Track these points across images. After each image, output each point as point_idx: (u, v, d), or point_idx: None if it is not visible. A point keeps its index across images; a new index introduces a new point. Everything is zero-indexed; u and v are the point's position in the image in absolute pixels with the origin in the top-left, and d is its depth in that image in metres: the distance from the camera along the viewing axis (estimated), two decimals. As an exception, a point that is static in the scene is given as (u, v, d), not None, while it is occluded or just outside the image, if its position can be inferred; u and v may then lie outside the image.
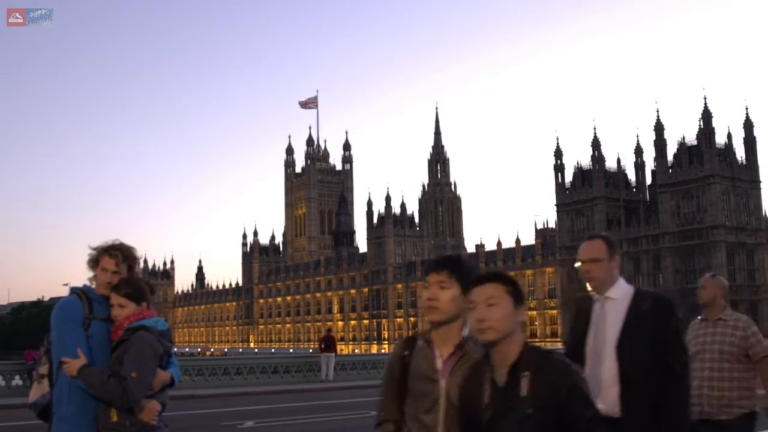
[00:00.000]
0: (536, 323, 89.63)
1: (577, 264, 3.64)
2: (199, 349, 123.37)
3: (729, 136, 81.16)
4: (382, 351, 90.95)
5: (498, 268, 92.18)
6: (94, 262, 3.75)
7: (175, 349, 4.10)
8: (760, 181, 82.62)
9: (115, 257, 3.72)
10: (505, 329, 2.44)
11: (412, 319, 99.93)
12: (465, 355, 2.71)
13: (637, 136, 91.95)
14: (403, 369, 2.81)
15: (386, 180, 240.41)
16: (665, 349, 3.36)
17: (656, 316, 3.39)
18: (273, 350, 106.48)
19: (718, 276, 5.55)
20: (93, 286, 3.78)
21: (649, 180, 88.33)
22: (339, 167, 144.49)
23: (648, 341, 3.35)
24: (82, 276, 3.88)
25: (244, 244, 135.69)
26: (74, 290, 3.77)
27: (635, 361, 3.36)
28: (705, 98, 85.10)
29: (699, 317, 5.50)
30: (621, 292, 3.52)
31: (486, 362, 2.52)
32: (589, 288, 3.65)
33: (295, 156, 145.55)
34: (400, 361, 2.83)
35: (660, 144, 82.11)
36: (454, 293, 2.73)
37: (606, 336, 3.44)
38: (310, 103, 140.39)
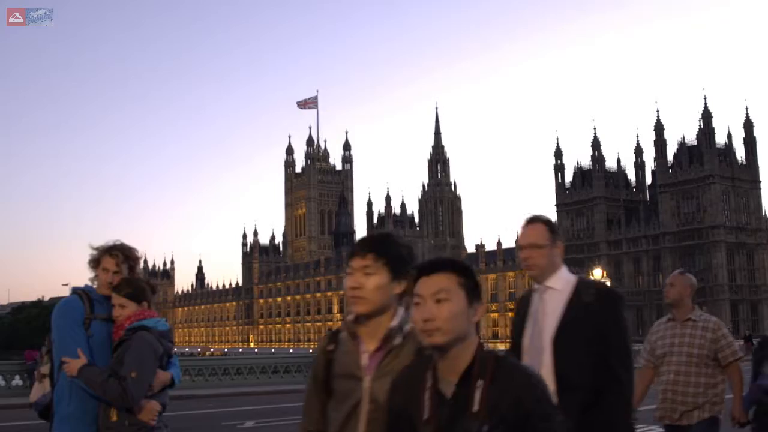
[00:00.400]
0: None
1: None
2: (199, 349, 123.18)
3: (729, 136, 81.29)
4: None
5: (498, 268, 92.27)
6: (95, 263, 3.76)
7: (175, 349, 4.10)
8: (760, 181, 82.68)
9: (116, 257, 3.73)
10: (457, 331, 1.97)
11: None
12: (394, 350, 2.32)
13: (637, 136, 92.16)
14: (327, 367, 2.41)
15: (386, 180, 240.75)
16: (607, 348, 3.00)
17: (599, 310, 3.04)
18: (273, 350, 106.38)
19: (687, 273, 5.26)
20: (94, 286, 3.80)
21: (649, 180, 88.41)
22: (339, 167, 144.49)
23: (588, 337, 2.99)
24: (82, 276, 3.89)
25: (244, 244, 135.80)
26: (75, 290, 3.78)
27: (572, 359, 3.02)
28: (705, 98, 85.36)
29: (665, 317, 5.23)
30: (562, 282, 3.16)
31: (426, 367, 2.05)
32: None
33: (295, 156, 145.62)
34: (325, 357, 2.43)
35: (660, 144, 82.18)
36: (381, 280, 2.31)
37: (544, 329, 3.11)
38: (309, 103, 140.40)
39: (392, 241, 2.40)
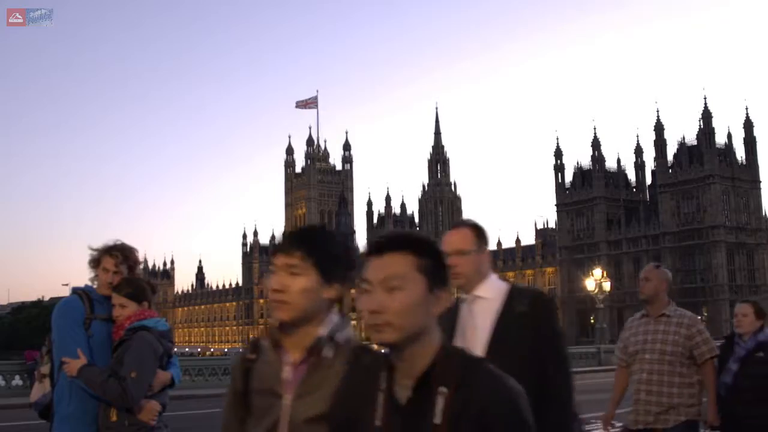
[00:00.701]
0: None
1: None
2: (199, 349, 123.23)
3: (729, 136, 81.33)
4: (383, 351, 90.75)
5: (498, 268, 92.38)
6: (95, 262, 3.77)
7: (175, 349, 4.11)
8: (760, 181, 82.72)
9: (115, 257, 3.74)
10: (413, 326, 1.60)
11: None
12: (321, 364, 1.98)
13: (637, 136, 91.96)
14: (245, 379, 2.08)
15: (386, 180, 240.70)
16: (545, 360, 2.78)
17: (534, 319, 2.82)
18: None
19: (663, 267, 5.06)
20: (94, 287, 3.80)
21: (649, 180, 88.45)
22: (339, 167, 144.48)
23: (523, 349, 2.76)
24: (82, 276, 3.89)
25: (244, 244, 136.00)
26: (76, 290, 3.80)
27: (507, 372, 2.84)
28: (705, 98, 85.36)
29: (639, 313, 5.00)
30: (493, 290, 2.92)
31: (380, 366, 1.70)
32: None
33: (295, 156, 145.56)
34: (243, 367, 2.09)
35: (660, 144, 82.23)
36: (309, 282, 1.97)
37: (475, 342, 2.84)
38: (309, 103, 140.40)
39: (325, 236, 2.05)
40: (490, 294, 2.91)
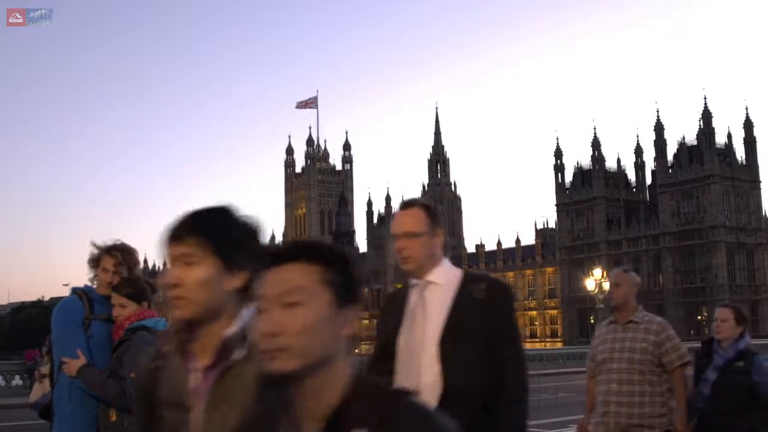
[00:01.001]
0: (536, 323, 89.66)
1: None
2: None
3: (729, 136, 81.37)
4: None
5: (498, 268, 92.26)
6: (94, 262, 3.77)
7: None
8: (760, 181, 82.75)
9: (115, 257, 3.73)
10: (317, 351, 1.25)
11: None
12: (233, 368, 1.68)
13: (637, 136, 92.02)
14: (151, 391, 1.78)
15: (386, 180, 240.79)
16: (500, 350, 2.59)
17: (492, 307, 2.60)
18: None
19: (631, 271, 4.84)
20: (94, 286, 3.80)
21: (649, 180, 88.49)
22: (339, 167, 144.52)
23: (479, 338, 2.57)
24: (82, 276, 3.89)
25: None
26: (75, 290, 3.79)
27: (462, 366, 2.55)
28: (705, 98, 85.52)
29: (607, 320, 4.79)
30: (446, 276, 2.68)
31: (278, 403, 1.31)
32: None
33: (295, 156, 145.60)
34: (149, 377, 1.80)
35: (660, 144, 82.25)
36: (206, 272, 1.69)
37: (426, 331, 2.61)
38: (310, 103, 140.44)
39: (224, 218, 1.73)
40: (443, 280, 2.69)
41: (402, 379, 2.58)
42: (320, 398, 1.25)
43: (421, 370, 2.59)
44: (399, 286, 3.20)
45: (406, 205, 2.80)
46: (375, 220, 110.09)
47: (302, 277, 1.27)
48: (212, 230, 1.71)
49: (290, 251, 1.30)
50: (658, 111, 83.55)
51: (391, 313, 2.82)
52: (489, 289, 2.64)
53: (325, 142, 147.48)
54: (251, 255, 1.69)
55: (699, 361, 4.93)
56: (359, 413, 1.22)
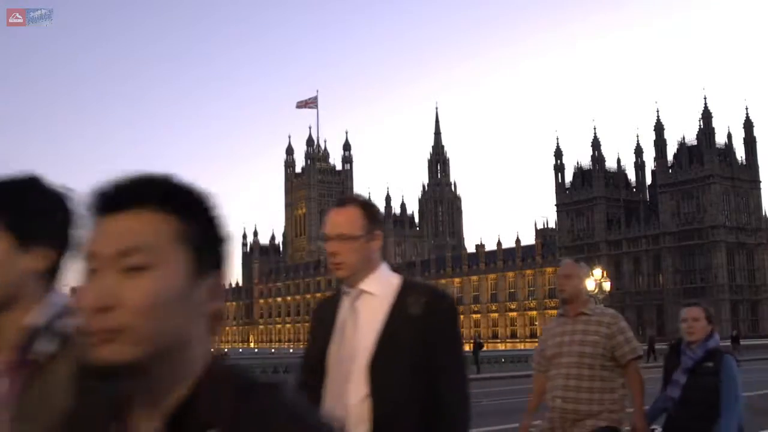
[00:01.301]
0: (536, 323, 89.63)
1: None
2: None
3: (729, 136, 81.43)
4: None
5: (498, 268, 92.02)
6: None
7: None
8: (760, 181, 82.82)
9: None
10: (166, 334, 0.86)
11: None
12: (41, 367, 1.31)
13: (637, 136, 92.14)
14: None
15: (386, 180, 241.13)
16: (438, 372, 2.30)
17: (430, 321, 2.30)
18: (273, 350, 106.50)
19: (581, 262, 4.63)
20: None
21: (649, 180, 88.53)
22: (339, 167, 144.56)
23: (415, 357, 2.27)
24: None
25: (244, 244, 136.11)
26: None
27: (394, 387, 2.27)
28: (705, 98, 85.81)
29: (557, 313, 4.56)
30: (382, 285, 2.37)
31: (107, 400, 0.93)
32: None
33: (295, 156, 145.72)
34: None
35: (660, 144, 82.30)
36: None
37: (356, 345, 2.33)
38: (310, 103, 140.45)
39: (23, 187, 1.38)
40: (379, 290, 2.37)
41: (329, 398, 2.33)
42: (162, 389, 0.89)
43: (349, 389, 2.30)
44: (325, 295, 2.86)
45: (341, 202, 2.44)
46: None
47: (150, 231, 0.87)
48: (6, 201, 1.35)
49: (133, 191, 0.88)
50: (658, 111, 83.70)
51: (320, 327, 2.51)
52: (428, 304, 2.33)
53: (325, 142, 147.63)
54: (57, 229, 1.36)
55: (667, 363, 4.73)
56: (208, 409, 0.88)
